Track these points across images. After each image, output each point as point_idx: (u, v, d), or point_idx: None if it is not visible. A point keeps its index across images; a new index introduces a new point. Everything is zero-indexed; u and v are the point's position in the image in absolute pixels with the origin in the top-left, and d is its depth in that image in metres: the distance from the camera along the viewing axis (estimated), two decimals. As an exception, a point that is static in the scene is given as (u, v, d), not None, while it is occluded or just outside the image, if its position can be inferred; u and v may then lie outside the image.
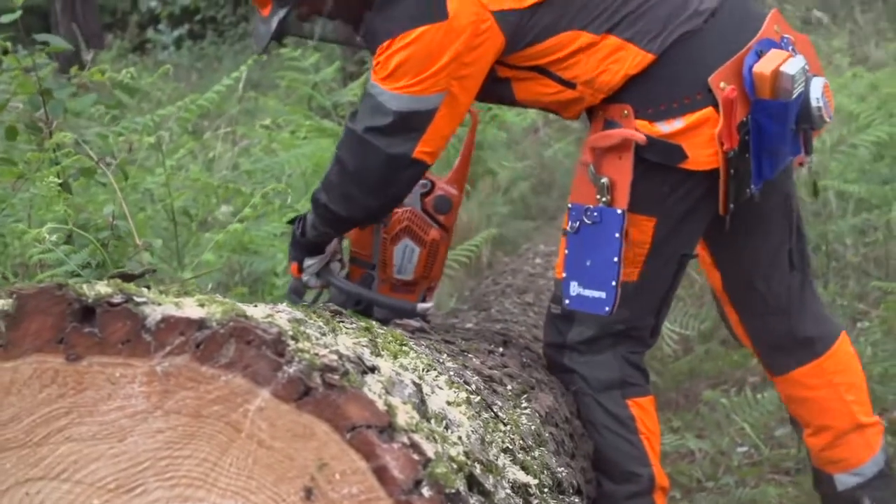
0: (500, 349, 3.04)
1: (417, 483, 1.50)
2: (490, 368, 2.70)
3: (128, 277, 1.70)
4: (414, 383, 1.77)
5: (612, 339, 3.06)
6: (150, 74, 4.83)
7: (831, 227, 5.37)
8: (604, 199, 2.88)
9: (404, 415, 1.57)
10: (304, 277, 3.26)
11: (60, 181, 3.34)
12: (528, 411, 2.58)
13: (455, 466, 1.64)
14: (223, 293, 3.86)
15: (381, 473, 1.50)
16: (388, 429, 1.52)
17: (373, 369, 1.68)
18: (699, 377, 4.93)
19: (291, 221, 3.30)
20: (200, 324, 1.53)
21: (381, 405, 1.53)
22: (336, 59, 8.26)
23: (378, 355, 1.88)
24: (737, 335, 3.38)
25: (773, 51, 2.85)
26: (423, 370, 2.06)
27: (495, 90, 3.05)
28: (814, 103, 2.85)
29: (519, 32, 2.87)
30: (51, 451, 1.55)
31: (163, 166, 4.37)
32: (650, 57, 2.84)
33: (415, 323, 2.92)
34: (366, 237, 3.34)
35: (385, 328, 2.39)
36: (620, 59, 2.86)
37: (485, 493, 1.74)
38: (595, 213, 2.89)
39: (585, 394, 3.09)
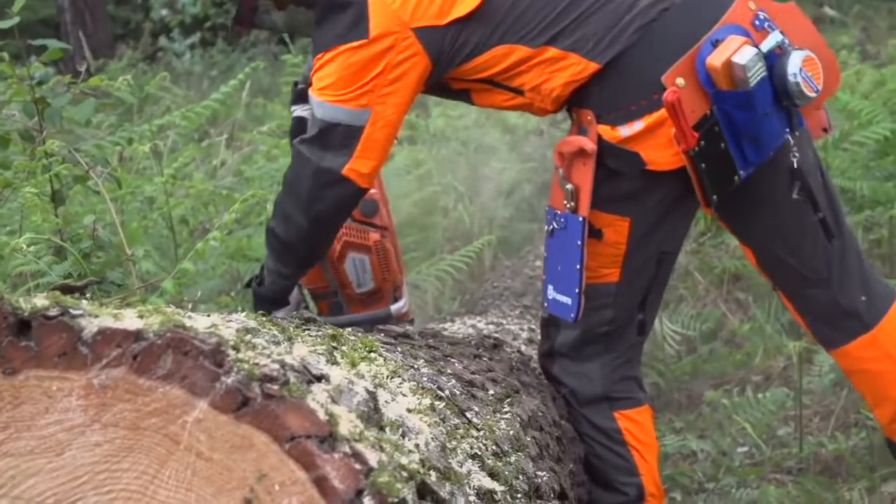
0: (489, 353, 3.02)
1: (359, 493, 1.48)
2: (472, 373, 2.68)
3: (68, 290, 1.68)
4: (367, 391, 1.75)
5: (599, 344, 3.05)
6: (160, 83, 4.83)
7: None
8: (569, 205, 2.87)
9: (347, 424, 1.55)
10: None
11: (44, 190, 3.34)
12: (507, 416, 2.56)
13: (405, 475, 1.62)
14: (209, 302, 3.86)
15: (321, 484, 1.48)
16: (329, 438, 1.50)
17: (320, 378, 1.66)
18: (701, 378, 4.90)
19: (248, 284, 3.29)
20: (137, 335, 1.52)
21: (322, 414, 1.52)
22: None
23: (334, 363, 1.86)
24: (789, 308, 3.29)
25: (731, 38, 2.76)
26: (385, 377, 2.04)
27: (455, 97, 3.11)
28: (790, 79, 2.76)
29: (446, 50, 2.88)
30: (-12, 466, 1.54)
31: (162, 174, 4.37)
32: (594, 66, 2.81)
33: (398, 328, 2.90)
34: (316, 271, 3.34)
35: (358, 335, 2.38)
36: (562, 68, 2.84)
37: (439, 501, 1.72)
38: (562, 219, 2.89)
39: (571, 405, 3.09)
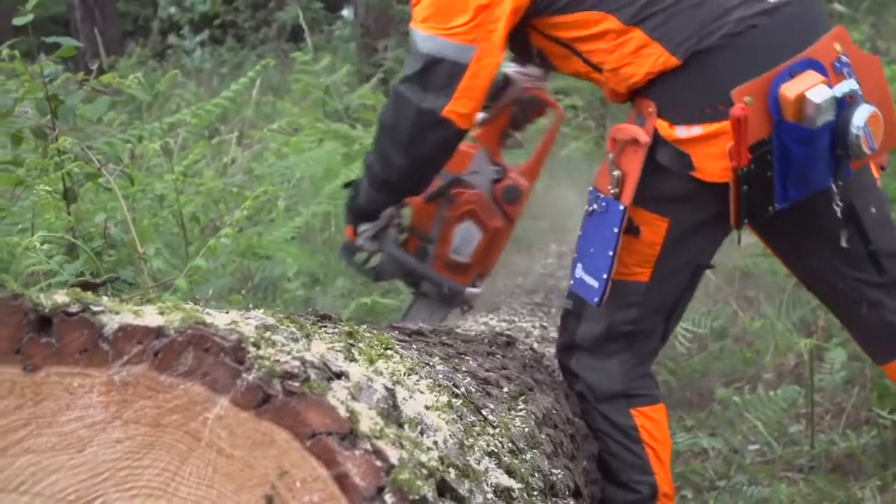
0: (502, 351, 3.02)
1: (380, 490, 1.47)
2: (487, 371, 2.67)
3: (88, 286, 1.68)
4: (386, 388, 1.75)
5: (620, 342, 3.05)
6: (173, 80, 4.84)
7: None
8: (613, 190, 2.86)
9: (368, 421, 1.55)
10: (359, 241, 3.28)
11: (57, 188, 3.34)
12: (522, 413, 2.55)
13: (425, 472, 1.62)
14: (220, 300, 3.86)
15: (342, 481, 1.47)
16: (350, 435, 1.50)
17: (339, 375, 1.66)
18: (713, 375, 4.90)
19: (347, 185, 3.32)
20: (158, 332, 1.51)
21: (342, 411, 1.51)
22: (348, 62, 8.26)
23: (352, 360, 1.86)
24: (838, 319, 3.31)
25: (809, 72, 2.73)
26: (403, 374, 2.03)
27: (529, 55, 3.07)
28: (853, 131, 2.71)
29: None
30: (9, 463, 1.53)
31: (173, 171, 4.37)
32: (674, 61, 2.79)
33: (412, 325, 2.90)
34: (428, 210, 3.37)
35: (373, 332, 2.37)
36: (645, 55, 2.81)
37: (458, 499, 1.72)
38: (604, 203, 2.89)
39: (587, 401, 3.08)
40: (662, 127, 2.80)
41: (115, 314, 1.53)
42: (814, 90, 2.69)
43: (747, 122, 2.67)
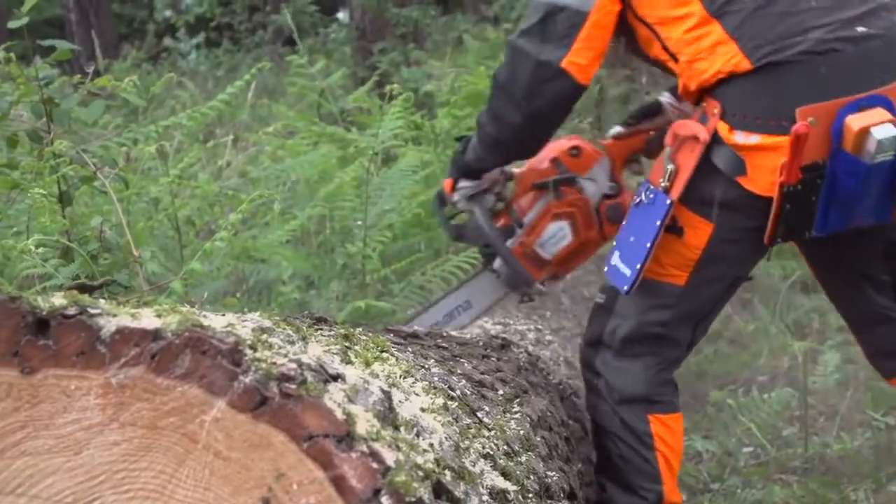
0: (497, 354, 3.02)
1: (376, 492, 1.48)
2: (482, 373, 2.68)
3: (85, 289, 1.68)
4: (382, 391, 1.76)
5: (647, 344, 3.05)
6: (165, 84, 4.85)
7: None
8: (664, 184, 2.86)
9: (364, 423, 1.56)
10: (455, 197, 3.30)
11: (52, 191, 3.34)
12: (517, 416, 2.56)
13: (421, 474, 1.62)
14: (215, 303, 3.86)
15: (338, 483, 1.48)
16: (347, 438, 1.50)
17: (336, 377, 1.66)
18: (707, 378, 4.91)
19: (459, 139, 3.33)
20: (155, 334, 1.52)
21: (339, 414, 1.52)
22: (344, 65, 8.26)
23: (348, 363, 1.87)
24: (852, 332, 3.32)
25: (879, 109, 2.68)
26: (399, 377, 2.04)
27: (630, 42, 3.05)
28: None
29: None
30: (6, 465, 1.53)
31: (168, 175, 4.37)
32: (746, 65, 2.77)
33: (407, 329, 2.91)
34: (532, 195, 3.37)
35: (369, 335, 2.38)
36: (719, 53, 2.80)
37: (454, 501, 1.72)
38: (652, 194, 2.89)
39: (605, 401, 3.07)
40: (723, 129, 2.79)
41: (113, 317, 1.53)
42: (879, 127, 2.66)
43: (806, 141, 2.66)
